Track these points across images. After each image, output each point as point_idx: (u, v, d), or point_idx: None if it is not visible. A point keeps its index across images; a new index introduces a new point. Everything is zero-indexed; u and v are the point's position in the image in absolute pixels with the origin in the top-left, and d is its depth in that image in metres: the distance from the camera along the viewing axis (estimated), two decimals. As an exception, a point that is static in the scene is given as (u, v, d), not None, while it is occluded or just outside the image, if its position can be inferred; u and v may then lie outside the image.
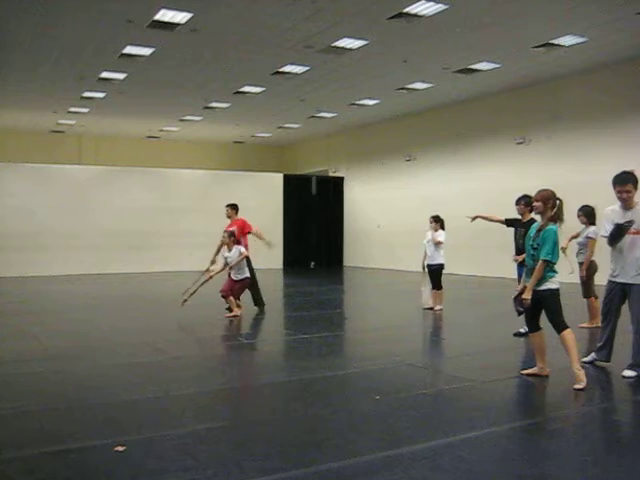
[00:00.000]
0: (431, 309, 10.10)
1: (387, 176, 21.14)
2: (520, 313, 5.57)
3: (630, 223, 5.45)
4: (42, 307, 11.26)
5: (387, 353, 6.87)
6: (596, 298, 8.08)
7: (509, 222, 7.92)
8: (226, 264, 9.71)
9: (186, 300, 9.67)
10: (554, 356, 5.67)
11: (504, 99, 16.68)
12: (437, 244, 10.01)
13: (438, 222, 10.12)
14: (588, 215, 8.12)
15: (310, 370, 6.02)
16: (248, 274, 9.77)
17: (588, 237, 8.03)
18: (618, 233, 5.53)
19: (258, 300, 10.45)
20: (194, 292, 9.69)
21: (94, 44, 12.29)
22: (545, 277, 5.28)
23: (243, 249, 9.71)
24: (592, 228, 8.01)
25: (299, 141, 25.53)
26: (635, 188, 5.50)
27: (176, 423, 4.35)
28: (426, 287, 10.23)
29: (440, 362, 6.87)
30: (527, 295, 5.30)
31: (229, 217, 10.46)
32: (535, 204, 5.41)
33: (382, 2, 10.19)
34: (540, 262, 5.24)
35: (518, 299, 5.46)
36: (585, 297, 8.31)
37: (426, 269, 10.28)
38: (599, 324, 7.82)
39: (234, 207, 10.52)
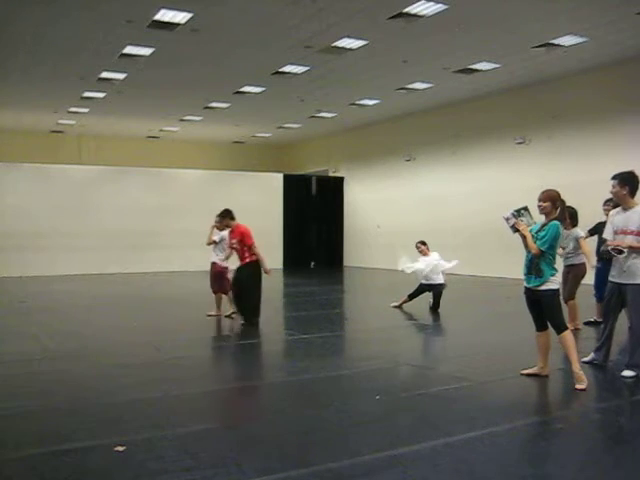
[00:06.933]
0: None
1: (387, 176, 21.13)
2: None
3: (611, 252, 5.56)
4: (42, 307, 11.25)
5: (387, 353, 6.88)
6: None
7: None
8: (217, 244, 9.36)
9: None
10: (553, 356, 5.66)
11: (504, 99, 16.67)
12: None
13: (425, 245, 10.28)
14: (572, 217, 8.00)
15: (310, 370, 6.02)
16: (223, 263, 9.34)
17: (579, 238, 7.92)
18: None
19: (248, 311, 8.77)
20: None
21: (94, 44, 12.28)
22: (547, 277, 5.28)
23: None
24: (577, 229, 7.97)
25: (299, 141, 25.51)
26: (621, 186, 5.57)
27: (176, 423, 4.35)
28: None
29: (440, 362, 6.86)
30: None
31: (227, 226, 8.89)
32: (543, 204, 5.35)
33: (382, 2, 10.19)
34: (537, 251, 5.25)
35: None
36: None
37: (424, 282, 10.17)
38: (578, 326, 7.93)
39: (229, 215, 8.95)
